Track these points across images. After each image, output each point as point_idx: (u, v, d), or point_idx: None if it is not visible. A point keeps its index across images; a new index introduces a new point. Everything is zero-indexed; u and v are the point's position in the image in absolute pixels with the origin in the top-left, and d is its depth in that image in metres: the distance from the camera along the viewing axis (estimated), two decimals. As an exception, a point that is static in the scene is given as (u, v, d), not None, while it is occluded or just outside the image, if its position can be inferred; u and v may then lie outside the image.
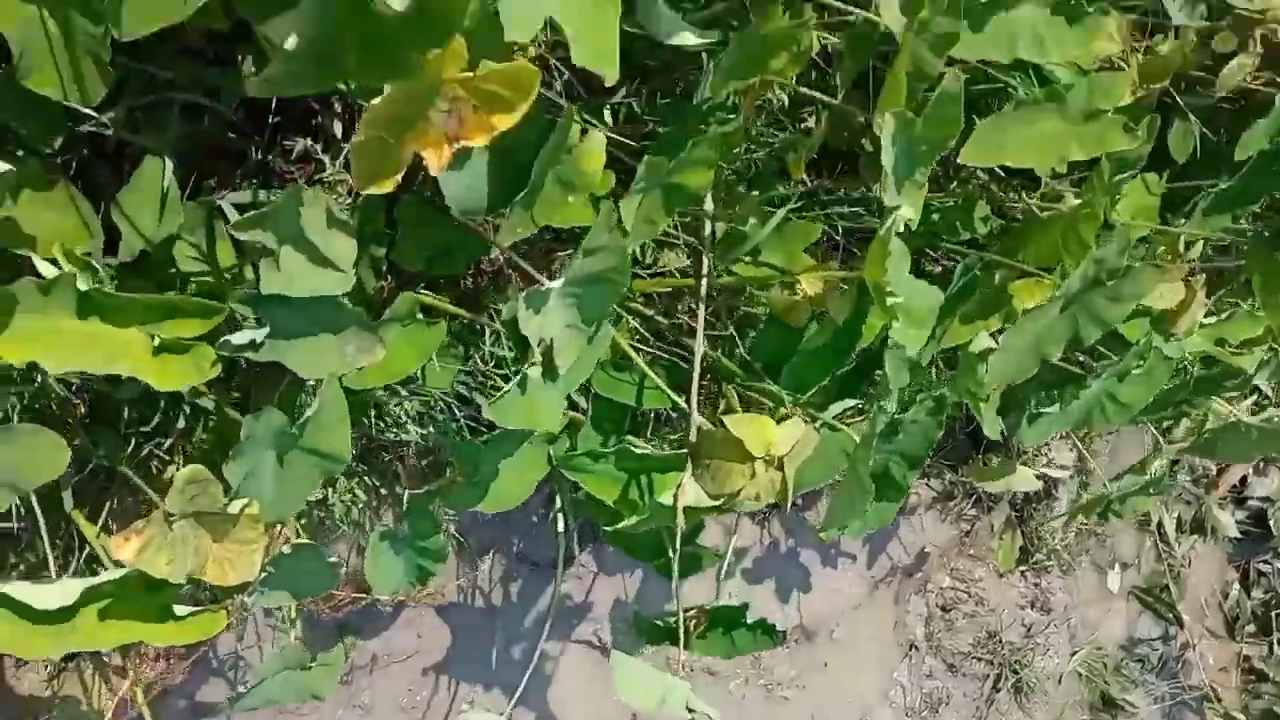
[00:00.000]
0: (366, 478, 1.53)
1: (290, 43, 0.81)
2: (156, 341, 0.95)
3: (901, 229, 1.32)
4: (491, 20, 0.95)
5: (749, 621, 1.55)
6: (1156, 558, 2.85)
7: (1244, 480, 2.93)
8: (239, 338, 0.98)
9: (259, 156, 1.26)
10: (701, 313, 1.41)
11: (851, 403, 1.39)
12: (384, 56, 0.86)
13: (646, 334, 1.56)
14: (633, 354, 1.44)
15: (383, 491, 1.57)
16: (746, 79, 1.41)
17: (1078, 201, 1.67)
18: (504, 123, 1.00)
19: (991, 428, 1.43)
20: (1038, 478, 1.91)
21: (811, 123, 1.83)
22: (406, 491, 1.30)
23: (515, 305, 1.07)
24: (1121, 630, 2.83)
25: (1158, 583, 2.86)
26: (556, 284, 1.08)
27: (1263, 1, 1.80)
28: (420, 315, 1.18)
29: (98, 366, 0.94)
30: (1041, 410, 1.58)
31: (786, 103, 1.73)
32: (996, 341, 1.54)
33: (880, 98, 1.37)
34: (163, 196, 1.10)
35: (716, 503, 1.27)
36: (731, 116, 1.50)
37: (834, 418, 1.37)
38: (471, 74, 0.98)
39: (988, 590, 2.59)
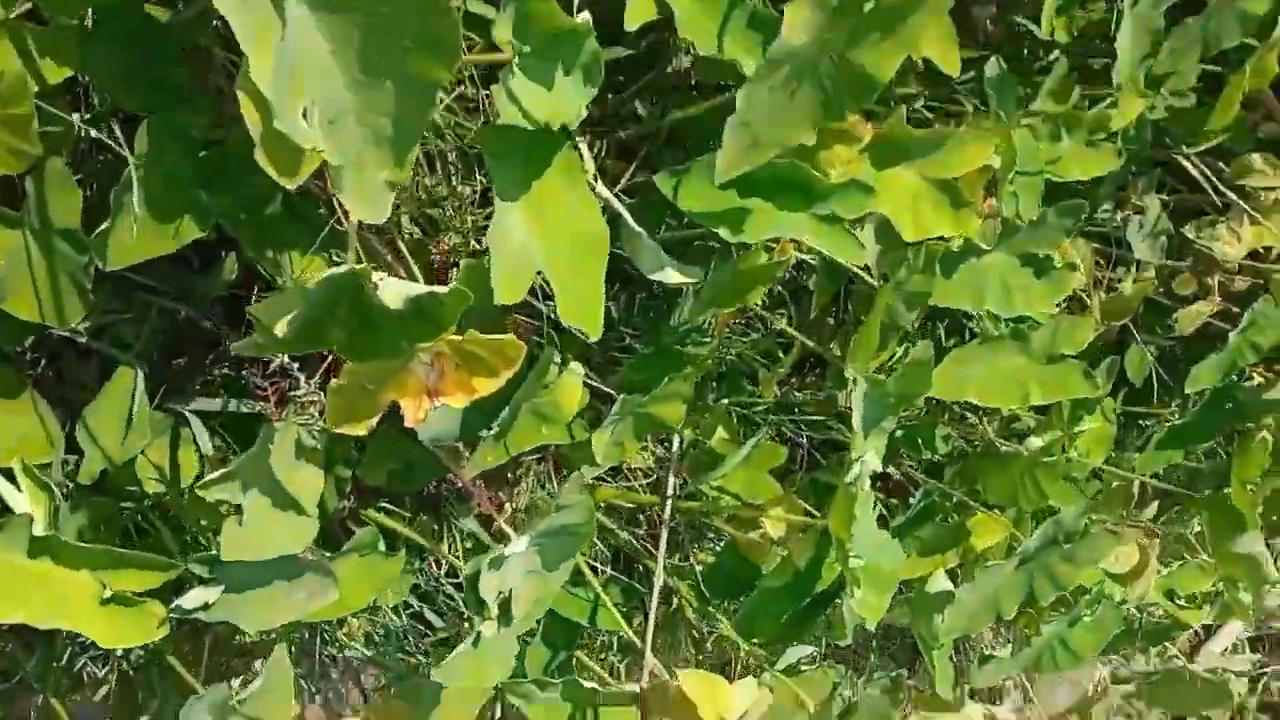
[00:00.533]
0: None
1: (280, 329, 0.80)
2: (107, 593, 0.92)
3: (867, 483, 1.33)
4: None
5: None
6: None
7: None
8: (190, 600, 0.95)
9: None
10: (663, 542, 1.40)
11: (807, 651, 1.37)
12: (374, 341, 0.85)
13: (605, 549, 1.54)
14: (589, 574, 1.43)
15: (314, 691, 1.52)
16: (724, 308, 1.44)
17: (1038, 443, 1.70)
18: (485, 387, 1.00)
19: (943, 679, 1.43)
20: (985, 717, 1.89)
21: (783, 323, 1.85)
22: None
23: (476, 563, 1.05)
24: None
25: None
26: (521, 544, 1.06)
27: (1221, 251, 1.86)
28: (380, 546, 1.16)
29: (40, 618, 0.90)
30: (992, 655, 1.59)
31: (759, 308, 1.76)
32: (954, 581, 1.55)
33: (852, 345, 1.40)
34: (129, 415, 1.08)
35: (662, 764, 1.24)
36: (706, 340, 1.52)
37: (788, 666, 1.36)
38: (459, 337, 0.99)
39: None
